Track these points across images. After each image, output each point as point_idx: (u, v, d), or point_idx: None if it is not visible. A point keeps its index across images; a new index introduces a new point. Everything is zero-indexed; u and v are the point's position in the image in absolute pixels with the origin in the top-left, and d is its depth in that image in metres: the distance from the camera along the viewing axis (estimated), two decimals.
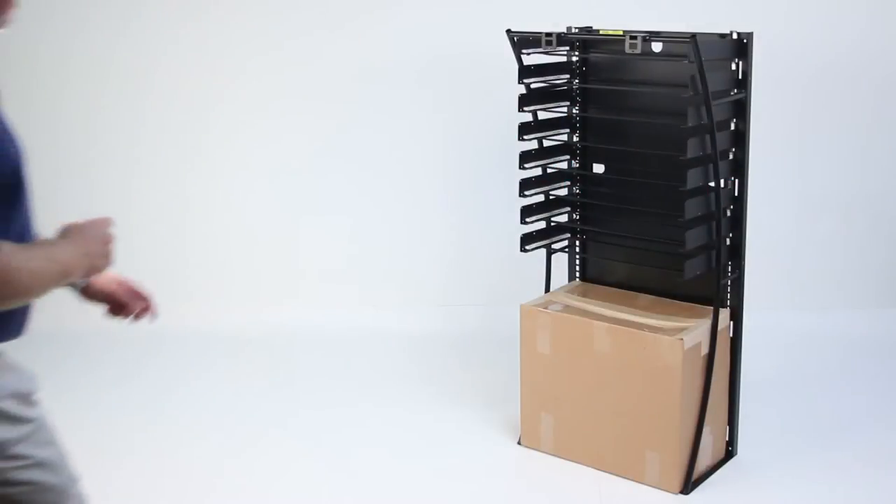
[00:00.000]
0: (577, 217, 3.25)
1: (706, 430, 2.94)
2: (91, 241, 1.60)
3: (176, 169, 4.41)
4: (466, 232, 4.39)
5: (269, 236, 4.36)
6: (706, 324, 2.88)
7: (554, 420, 3.09)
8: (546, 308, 3.08)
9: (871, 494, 2.90)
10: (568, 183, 3.23)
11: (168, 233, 4.46)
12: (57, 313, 4.45)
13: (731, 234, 2.94)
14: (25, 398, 1.62)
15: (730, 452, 3.12)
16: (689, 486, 2.89)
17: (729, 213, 2.93)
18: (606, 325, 2.93)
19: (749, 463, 3.09)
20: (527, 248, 3.13)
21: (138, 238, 4.51)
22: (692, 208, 2.78)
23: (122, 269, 4.69)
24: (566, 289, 3.27)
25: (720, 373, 2.98)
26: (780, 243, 4.20)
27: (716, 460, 3.06)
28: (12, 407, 1.59)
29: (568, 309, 3.09)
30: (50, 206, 3.97)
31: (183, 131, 4.38)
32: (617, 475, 2.99)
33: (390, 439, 3.32)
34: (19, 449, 1.60)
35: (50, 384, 3.90)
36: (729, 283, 3.00)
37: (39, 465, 1.63)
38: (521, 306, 3.10)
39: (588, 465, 3.05)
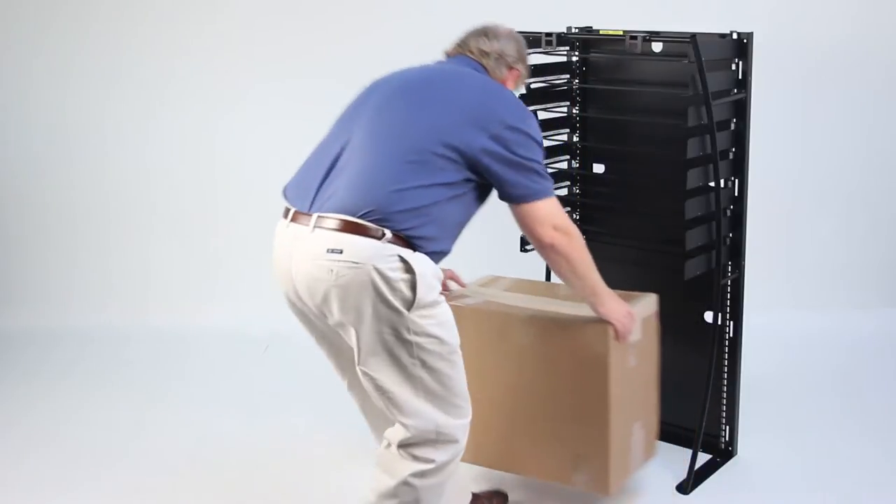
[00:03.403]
0: (578, 217, 3.25)
1: (636, 425, 2.74)
2: (627, 315, 2.52)
3: (176, 169, 4.42)
4: (466, 232, 4.38)
5: (270, 237, 4.35)
6: (635, 309, 2.64)
7: (472, 425, 2.71)
8: (460, 301, 2.80)
9: (872, 494, 2.90)
10: (568, 183, 3.23)
11: (168, 232, 4.47)
12: (51, 313, 4.47)
13: (731, 234, 2.94)
14: (439, 278, 2.28)
15: (730, 452, 3.12)
16: (618, 488, 2.71)
17: (729, 213, 2.93)
18: (527, 315, 2.68)
19: (749, 463, 3.09)
20: (527, 248, 3.13)
21: (141, 237, 4.51)
22: (692, 208, 2.78)
23: (118, 268, 4.66)
24: (480, 282, 2.98)
25: (648, 362, 2.77)
26: (781, 243, 4.20)
27: (648, 457, 2.85)
28: (434, 281, 2.23)
29: (485, 302, 2.81)
30: (62, 205, 3.91)
31: (182, 132, 4.38)
32: (542, 480, 2.82)
33: None
34: (435, 310, 2.23)
35: (40, 383, 3.91)
36: (729, 283, 3.00)
37: (441, 324, 2.25)
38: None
39: (511, 472, 2.85)
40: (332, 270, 2.13)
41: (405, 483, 2.28)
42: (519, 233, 3.08)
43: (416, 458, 2.29)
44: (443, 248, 2.29)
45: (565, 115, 3.18)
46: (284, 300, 2.38)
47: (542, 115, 3.12)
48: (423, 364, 2.23)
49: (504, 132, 2.22)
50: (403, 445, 2.29)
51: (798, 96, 4.06)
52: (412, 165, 2.18)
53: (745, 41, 2.80)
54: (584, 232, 3.25)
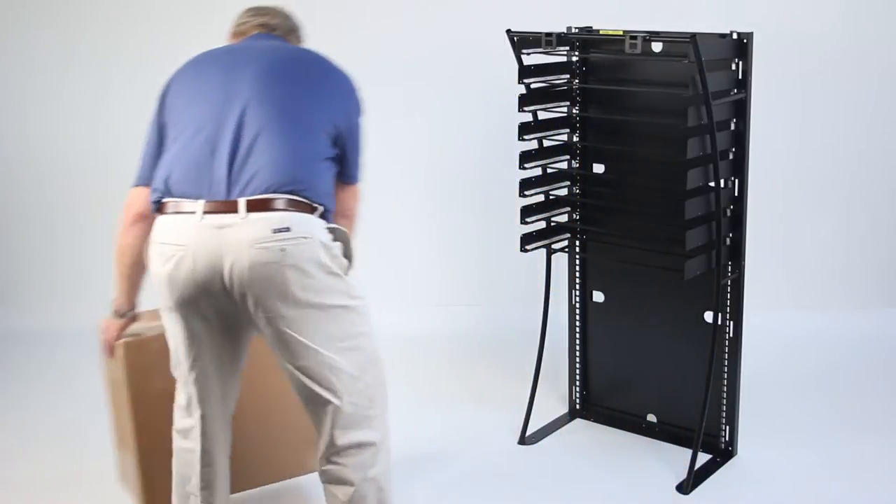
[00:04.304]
0: (577, 217, 3.25)
1: None
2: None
3: None
4: (466, 232, 4.40)
5: None
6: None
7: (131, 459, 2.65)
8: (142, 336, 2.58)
9: (872, 494, 2.90)
10: (568, 183, 3.23)
11: None
12: (56, 314, 4.47)
13: (731, 234, 2.94)
14: None
15: (730, 452, 3.12)
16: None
17: (729, 213, 2.93)
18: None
19: (749, 463, 3.09)
20: (527, 248, 3.13)
21: None
22: (692, 208, 2.78)
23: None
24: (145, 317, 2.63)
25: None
26: (781, 243, 4.21)
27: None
28: None
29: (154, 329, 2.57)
30: (66, 206, 3.90)
31: None
32: (274, 482, 2.83)
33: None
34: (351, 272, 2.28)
35: (45, 383, 3.91)
36: (729, 283, 3.00)
37: (356, 286, 2.28)
38: (126, 343, 2.53)
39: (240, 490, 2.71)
40: (283, 250, 2.09)
41: (365, 480, 2.28)
42: (519, 233, 3.10)
43: (358, 447, 2.27)
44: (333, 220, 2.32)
45: (565, 115, 3.17)
46: (175, 303, 2.18)
47: (542, 115, 3.12)
48: (361, 330, 2.27)
49: (351, 104, 2.34)
50: (339, 429, 2.24)
51: (798, 96, 4.06)
52: (313, 143, 2.22)
53: (745, 41, 2.80)
54: (583, 232, 3.26)
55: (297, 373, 2.23)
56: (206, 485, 2.38)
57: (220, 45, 2.45)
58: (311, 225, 2.15)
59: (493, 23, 3.39)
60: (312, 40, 4.45)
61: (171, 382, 2.41)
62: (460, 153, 4.29)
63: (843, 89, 4.05)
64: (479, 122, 4.20)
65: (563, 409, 3.48)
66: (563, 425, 3.39)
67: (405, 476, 3.05)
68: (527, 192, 3.08)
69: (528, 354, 3.39)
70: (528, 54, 3.03)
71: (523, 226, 3.09)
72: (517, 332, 4.04)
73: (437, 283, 4.42)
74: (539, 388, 3.34)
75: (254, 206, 2.10)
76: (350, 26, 4.23)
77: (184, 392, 2.33)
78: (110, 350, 2.53)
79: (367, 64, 4.23)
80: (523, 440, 3.25)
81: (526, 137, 3.05)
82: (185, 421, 2.35)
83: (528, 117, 3.08)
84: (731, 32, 2.81)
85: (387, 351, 4.08)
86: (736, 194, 2.93)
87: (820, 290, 4.23)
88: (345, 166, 2.34)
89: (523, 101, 3.01)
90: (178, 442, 2.38)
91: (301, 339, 2.18)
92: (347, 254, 2.24)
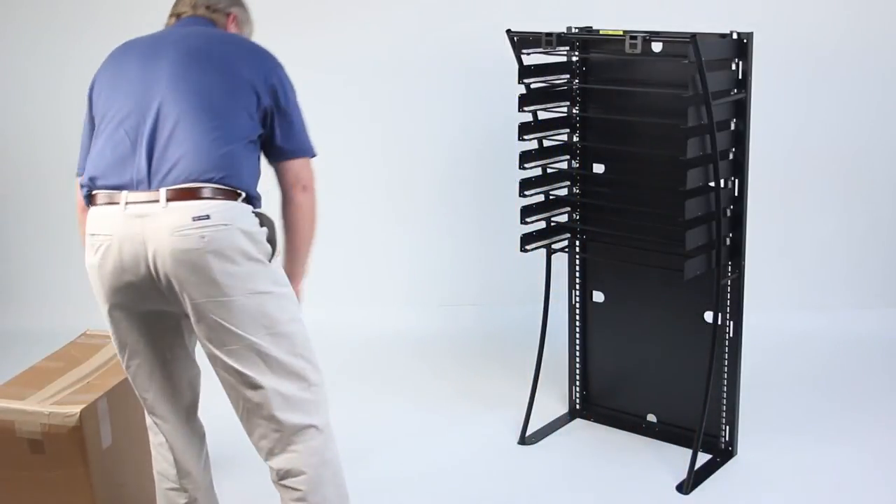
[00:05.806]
0: (577, 217, 3.25)
1: None
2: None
3: None
4: (466, 232, 4.40)
5: None
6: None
7: None
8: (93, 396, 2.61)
9: (872, 495, 2.90)
10: (568, 183, 3.23)
11: None
12: (54, 314, 4.47)
13: (731, 234, 2.94)
14: None
15: (730, 452, 3.12)
16: None
17: (729, 213, 2.93)
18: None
19: (749, 463, 3.09)
20: (527, 248, 3.13)
21: None
22: (692, 208, 2.78)
23: None
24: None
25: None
26: (781, 243, 4.21)
27: None
28: None
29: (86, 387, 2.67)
30: (65, 205, 3.90)
31: None
32: None
33: (386, 437, 3.32)
34: (278, 258, 2.31)
35: None
36: (729, 283, 3.00)
37: (282, 269, 2.33)
38: (82, 411, 2.52)
39: None
40: (203, 237, 2.11)
41: (322, 463, 2.29)
42: (519, 233, 3.10)
43: (305, 429, 2.27)
44: (261, 205, 2.32)
45: (565, 115, 3.17)
46: (106, 294, 2.21)
47: (542, 115, 3.12)
48: (290, 316, 2.26)
49: (274, 81, 2.32)
50: (281, 412, 2.24)
51: (798, 96, 4.06)
52: (232, 127, 2.23)
53: (745, 41, 2.80)
54: (583, 232, 3.26)
55: (225, 358, 2.20)
56: (184, 474, 2.40)
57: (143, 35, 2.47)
58: (233, 212, 2.15)
59: (493, 23, 3.39)
60: (311, 41, 4.47)
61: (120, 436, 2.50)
62: (460, 153, 4.29)
63: (843, 89, 4.05)
64: (479, 122, 4.20)
65: (563, 409, 3.48)
66: (563, 425, 3.39)
67: (405, 475, 3.06)
68: (527, 192, 3.08)
69: (528, 354, 3.39)
70: (528, 54, 3.03)
71: (523, 226, 3.09)
72: (517, 332, 4.05)
73: (437, 283, 4.42)
74: (539, 388, 3.34)
75: (174, 196, 2.12)
76: (350, 26, 4.23)
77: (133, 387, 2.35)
78: None
79: (367, 64, 4.26)
80: (523, 440, 3.26)
81: (526, 137, 3.05)
82: (147, 416, 2.38)
83: (528, 117, 3.08)
84: (731, 32, 2.81)
85: (387, 351, 4.11)
86: (736, 194, 2.93)
87: (820, 290, 4.23)
88: (285, 142, 2.33)
89: (523, 101, 3.01)
90: (150, 438, 2.40)
91: (227, 325, 2.18)
92: (272, 239, 2.24)
